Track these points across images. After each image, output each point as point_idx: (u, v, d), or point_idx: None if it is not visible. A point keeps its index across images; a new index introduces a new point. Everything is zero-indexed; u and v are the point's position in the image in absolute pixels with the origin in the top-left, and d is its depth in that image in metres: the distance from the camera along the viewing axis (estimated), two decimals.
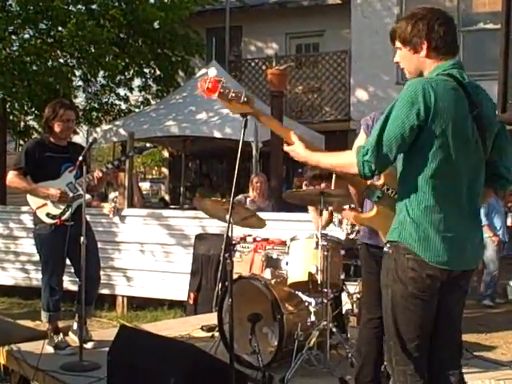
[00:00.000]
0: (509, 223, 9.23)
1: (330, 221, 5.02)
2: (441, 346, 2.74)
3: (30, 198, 4.87)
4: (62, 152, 4.87)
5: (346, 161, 2.70)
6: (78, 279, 4.72)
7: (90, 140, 4.80)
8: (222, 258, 2.99)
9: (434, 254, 2.56)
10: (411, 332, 2.64)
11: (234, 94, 3.01)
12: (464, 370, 4.13)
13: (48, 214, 4.78)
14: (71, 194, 4.83)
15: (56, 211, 4.79)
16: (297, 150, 2.90)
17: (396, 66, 11.14)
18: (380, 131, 2.57)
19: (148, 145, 5.62)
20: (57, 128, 4.84)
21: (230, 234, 3.23)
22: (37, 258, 5.13)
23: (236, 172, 3.16)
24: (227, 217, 3.22)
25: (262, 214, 5.85)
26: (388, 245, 2.68)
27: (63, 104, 4.95)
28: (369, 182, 2.95)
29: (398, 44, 2.78)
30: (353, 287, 4.60)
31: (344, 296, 4.71)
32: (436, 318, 2.69)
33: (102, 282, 5.28)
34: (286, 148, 2.96)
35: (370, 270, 3.41)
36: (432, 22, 2.67)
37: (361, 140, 3.34)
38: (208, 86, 3.00)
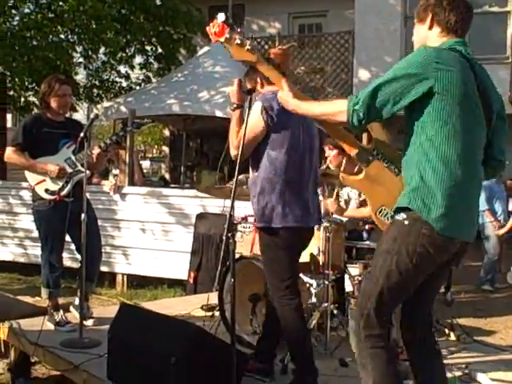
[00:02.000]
0: (511, 208, 9.21)
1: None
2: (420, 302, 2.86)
3: (28, 174, 4.84)
4: (59, 128, 4.83)
5: (336, 108, 2.71)
6: (78, 256, 4.71)
7: (92, 116, 4.75)
8: (224, 238, 2.94)
9: (451, 223, 2.57)
10: (395, 300, 2.73)
11: (239, 41, 3.12)
12: (463, 355, 4.17)
13: (47, 190, 4.76)
14: (70, 170, 4.80)
15: (55, 187, 4.76)
16: (285, 97, 2.93)
17: (400, 46, 11.08)
18: (379, 84, 2.60)
19: (146, 120, 5.54)
20: (53, 103, 4.80)
21: (232, 214, 3.19)
22: (36, 234, 5.11)
23: (240, 153, 3.13)
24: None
25: None
26: (402, 213, 2.63)
27: (58, 79, 4.90)
28: (357, 148, 2.96)
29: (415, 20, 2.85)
30: (355, 269, 4.60)
31: (346, 278, 4.71)
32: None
33: (102, 259, 5.27)
34: (278, 95, 3.00)
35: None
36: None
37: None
38: (215, 30, 3.11)
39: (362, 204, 4.90)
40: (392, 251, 2.63)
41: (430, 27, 2.76)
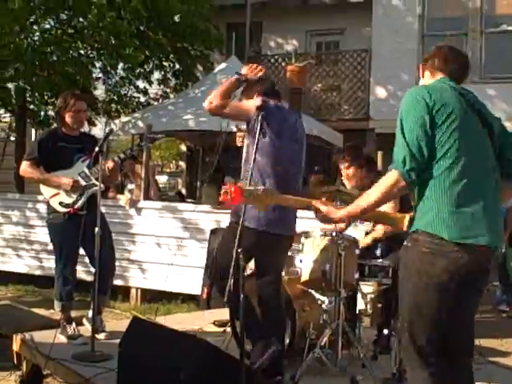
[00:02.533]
0: None
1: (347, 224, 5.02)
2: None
3: (43, 187, 4.92)
4: (74, 142, 4.90)
5: (388, 183, 2.65)
6: (92, 269, 4.74)
7: (107, 131, 4.81)
8: (234, 253, 2.95)
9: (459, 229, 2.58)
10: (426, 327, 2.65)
11: (258, 194, 2.98)
12: (476, 376, 4.11)
13: (61, 203, 4.82)
14: (84, 183, 4.85)
15: (69, 200, 4.82)
16: (331, 215, 2.86)
17: (416, 65, 11.10)
18: (403, 139, 2.63)
19: (159, 135, 5.60)
20: (68, 118, 4.86)
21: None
22: (51, 246, 5.16)
23: (251, 167, 3.14)
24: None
25: None
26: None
27: (74, 94, 4.97)
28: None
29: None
30: (367, 287, 4.57)
31: (358, 296, 4.68)
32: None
33: (116, 273, 5.29)
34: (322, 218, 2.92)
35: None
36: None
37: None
38: (231, 196, 2.92)
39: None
40: (404, 278, 2.67)
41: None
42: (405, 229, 2.79)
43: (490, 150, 2.76)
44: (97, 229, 4.39)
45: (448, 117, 2.62)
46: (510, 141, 2.87)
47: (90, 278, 5.14)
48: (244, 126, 3.80)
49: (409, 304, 2.67)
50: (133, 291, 7.70)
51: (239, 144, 4.38)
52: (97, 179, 4.65)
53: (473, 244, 2.56)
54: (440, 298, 2.60)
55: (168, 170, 30.61)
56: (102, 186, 4.79)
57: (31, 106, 12.24)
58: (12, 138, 12.87)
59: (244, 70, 3.87)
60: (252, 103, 3.66)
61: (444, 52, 2.93)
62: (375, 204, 2.71)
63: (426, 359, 2.65)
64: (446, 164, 2.61)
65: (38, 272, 8.35)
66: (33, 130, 14.86)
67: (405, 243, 2.69)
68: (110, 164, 4.81)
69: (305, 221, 6.33)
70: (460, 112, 2.65)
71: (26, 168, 4.89)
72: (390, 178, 2.64)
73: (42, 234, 8.11)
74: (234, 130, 10.03)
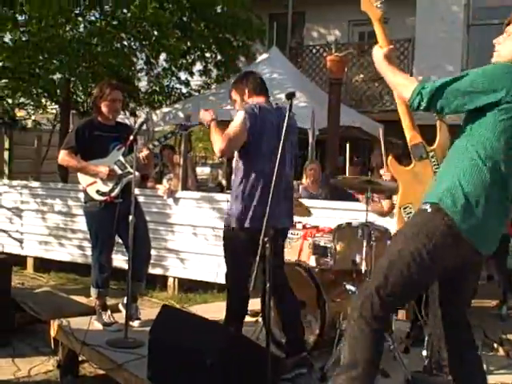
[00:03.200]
0: None
1: (390, 210, 5.02)
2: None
3: (80, 176, 5.01)
4: (110, 131, 4.97)
5: (406, 82, 2.85)
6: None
7: (142, 119, 4.86)
8: (260, 242, 2.96)
9: (476, 231, 2.62)
10: (404, 286, 2.73)
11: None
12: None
13: (98, 191, 4.89)
14: (120, 172, 4.91)
15: (105, 188, 4.89)
16: (377, 54, 3.14)
17: (461, 55, 10.83)
18: (451, 80, 2.69)
19: (193, 122, 5.64)
20: (104, 108, 4.93)
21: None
22: None
23: (278, 157, 3.12)
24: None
25: (312, 202, 5.84)
26: (428, 204, 2.70)
27: (110, 84, 5.04)
28: (418, 141, 3.12)
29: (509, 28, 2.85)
30: None
31: None
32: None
33: (154, 262, 5.37)
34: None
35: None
36: None
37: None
38: None
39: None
40: (410, 234, 2.70)
41: None
42: None
43: None
44: (131, 217, 4.45)
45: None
46: None
47: (127, 267, 5.21)
48: None
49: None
50: (170, 280, 7.78)
51: None
52: (132, 167, 4.71)
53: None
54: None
55: (211, 162, 30.76)
56: (138, 174, 4.86)
57: (75, 97, 12.45)
58: (57, 129, 13.09)
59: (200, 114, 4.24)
60: (237, 123, 3.88)
61: None
62: (388, 80, 3.02)
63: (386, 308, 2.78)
64: (488, 163, 2.62)
65: (79, 260, 8.50)
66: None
67: (425, 207, 2.71)
68: (145, 152, 4.86)
69: (338, 212, 6.35)
70: None
71: (63, 157, 4.98)
72: (409, 82, 2.84)
73: (83, 223, 8.08)
74: None
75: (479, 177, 2.60)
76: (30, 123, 14.07)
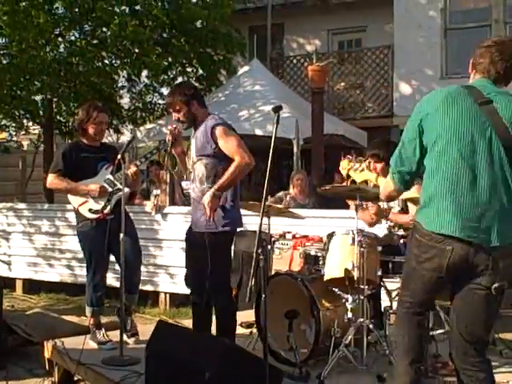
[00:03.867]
0: None
1: (378, 219, 5.03)
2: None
3: (71, 197, 5.01)
4: (96, 152, 5.01)
5: (382, 187, 3.14)
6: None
7: (129, 138, 4.89)
8: (254, 254, 2.99)
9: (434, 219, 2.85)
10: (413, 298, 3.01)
11: None
12: (504, 370, 4.08)
13: (90, 210, 4.91)
14: (110, 189, 4.93)
15: (97, 206, 4.91)
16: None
17: (440, 59, 10.97)
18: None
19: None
20: (90, 130, 4.95)
21: (264, 231, 3.24)
22: (81, 255, 5.25)
23: (268, 169, 3.17)
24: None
25: (301, 211, 5.86)
26: None
27: (96, 107, 5.06)
28: None
29: None
30: (391, 284, 4.55)
31: (383, 293, 4.66)
32: None
33: (144, 278, 5.38)
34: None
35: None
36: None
37: None
38: None
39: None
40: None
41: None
42: None
43: (489, 148, 2.80)
44: (121, 235, 4.46)
45: (438, 132, 2.85)
46: None
47: (115, 284, 5.22)
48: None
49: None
50: (161, 296, 7.76)
51: None
52: (121, 184, 4.73)
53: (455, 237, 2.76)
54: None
55: None
56: (127, 190, 4.89)
57: (58, 117, 12.44)
58: (41, 150, 13.07)
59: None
60: (232, 134, 4.27)
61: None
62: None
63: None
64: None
65: (69, 280, 8.47)
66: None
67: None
68: (133, 168, 4.88)
69: (327, 220, 6.39)
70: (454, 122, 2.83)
71: (52, 180, 4.98)
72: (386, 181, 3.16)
73: (72, 243, 8.22)
74: (259, 133, 10.09)
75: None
76: (12, 145, 14.03)
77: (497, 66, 2.88)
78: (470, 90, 2.84)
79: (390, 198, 3.29)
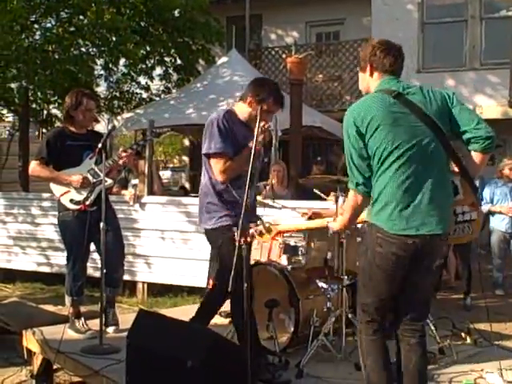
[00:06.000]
0: None
1: None
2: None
3: (53, 186, 4.95)
4: (82, 140, 4.94)
5: (349, 197, 3.13)
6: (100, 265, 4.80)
7: (109, 128, 4.86)
8: (236, 244, 3.02)
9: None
10: (372, 297, 3.11)
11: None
12: (479, 359, 4.16)
13: (71, 200, 4.87)
14: (93, 180, 4.89)
15: (79, 197, 4.86)
16: (334, 227, 3.53)
17: (417, 53, 11.05)
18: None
19: (164, 129, 5.68)
20: (79, 117, 4.90)
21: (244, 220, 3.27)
22: (58, 244, 5.22)
23: (251, 160, 3.19)
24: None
25: (280, 202, 5.91)
26: None
27: (85, 93, 5.00)
28: None
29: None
30: None
31: None
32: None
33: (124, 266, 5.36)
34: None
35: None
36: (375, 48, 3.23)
37: None
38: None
39: None
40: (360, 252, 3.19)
41: (371, 74, 3.21)
42: None
43: (433, 142, 2.99)
44: (102, 224, 4.45)
45: (375, 134, 2.96)
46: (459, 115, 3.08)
47: (98, 274, 5.22)
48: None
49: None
50: (139, 285, 7.76)
51: None
52: (106, 175, 4.70)
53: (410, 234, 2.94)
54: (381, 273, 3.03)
55: (171, 165, 30.66)
56: (110, 181, 4.88)
57: (34, 105, 12.30)
58: (15, 138, 12.92)
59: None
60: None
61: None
62: (351, 220, 3.27)
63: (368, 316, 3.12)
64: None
65: (45, 269, 8.41)
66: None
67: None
68: (122, 153, 4.87)
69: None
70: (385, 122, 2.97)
71: (35, 167, 4.92)
72: (350, 195, 3.13)
73: (48, 231, 8.19)
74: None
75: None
76: None
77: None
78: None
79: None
